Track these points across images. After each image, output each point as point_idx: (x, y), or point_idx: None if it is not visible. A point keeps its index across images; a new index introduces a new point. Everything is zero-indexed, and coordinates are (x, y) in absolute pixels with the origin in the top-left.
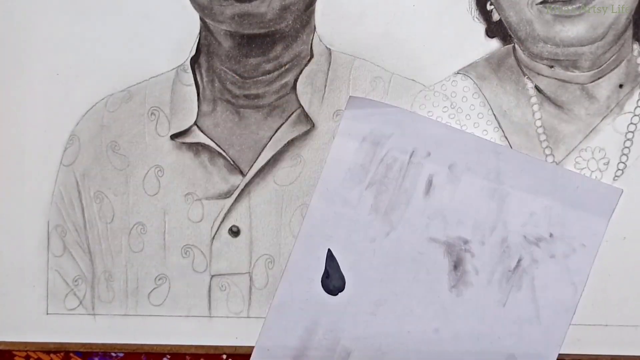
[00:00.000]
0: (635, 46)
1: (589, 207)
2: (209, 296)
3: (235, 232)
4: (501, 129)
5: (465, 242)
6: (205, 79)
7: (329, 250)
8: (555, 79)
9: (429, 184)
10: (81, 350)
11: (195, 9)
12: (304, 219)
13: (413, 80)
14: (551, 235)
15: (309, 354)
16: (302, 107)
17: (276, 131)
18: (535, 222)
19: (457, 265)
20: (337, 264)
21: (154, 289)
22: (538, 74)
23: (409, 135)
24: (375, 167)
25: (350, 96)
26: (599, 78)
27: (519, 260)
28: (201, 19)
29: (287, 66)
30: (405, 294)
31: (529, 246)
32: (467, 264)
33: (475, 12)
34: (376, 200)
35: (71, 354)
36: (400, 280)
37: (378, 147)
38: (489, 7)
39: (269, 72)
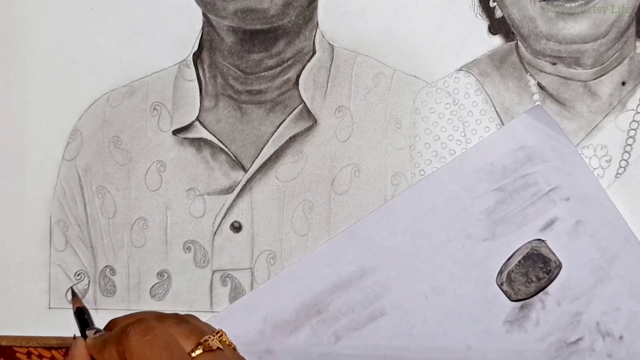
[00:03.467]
0: (638, 44)
1: None
2: (211, 291)
3: (237, 227)
4: (503, 125)
5: (546, 292)
6: (207, 75)
7: None
8: (558, 76)
9: (550, 224)
10: None
11: (198, 4)
12: (424, 177)
13: (415, 76)
14: (621, 337)
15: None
16: (305, 103)
17: (278, 127)
18: (616, 318)
19: (525, 306)
20: None
21: (155, 284)
22: (540, 71)
23: (562, 171)
24: (515, 178)
25: (537, 104)
26: (601, 75)
27: (579, 339)
28: (204, 15)
29: (289, 62)
30: (463, 300)
31: (596, 334)
32: (534, 311)
33: (478, 9)
34: (495, 206)
35: None
36: (468, 286)
37: (529, 163)
38: (491, 4)
39: (271, 68)
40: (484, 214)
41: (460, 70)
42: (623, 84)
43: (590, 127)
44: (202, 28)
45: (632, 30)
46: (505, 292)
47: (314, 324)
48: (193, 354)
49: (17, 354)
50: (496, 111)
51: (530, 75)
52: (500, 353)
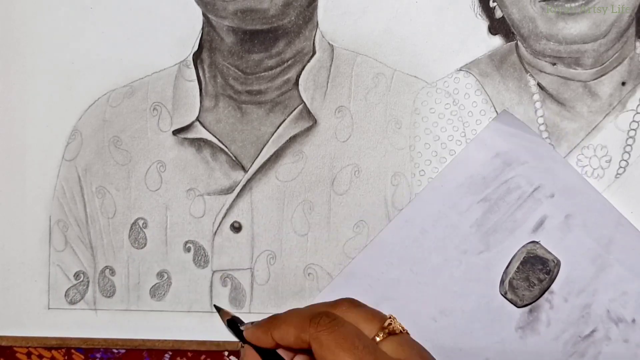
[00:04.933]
0: (638, 44)
1: None
2: (211, 291)
3: (237, 227)
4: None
5: (551, 292)
6: (207, 75)
7: None
8: (558, 76)
9: (540, 223)
10: (83, 346)
11: (198, 4)
12: (408, 204)
13: (415, 76)
14: (634, 320)
15: None
16: (305, 104)
17: (278, 127)
18: (624, 303)
19: (532, 309)
20: None
21: (155, 284)
22: (540, 71)
23: (541, 170)
24: (497, 185)
25: (504, 110)
26: (601, 76)
27: (593, 331)
28: (204, 15)
29: (289, 62)
30: (472, 315)
31: (609, 322)
32: (542, 312)
33: (478, 9)
34: (483, 217)
35: (73, 351)
36: (474, 300)
37: (508, 168)
38: (491, 4)
39: (271, 68)
40: (474, 227)
41: (460, 70)
42: (623, 84)
43: (590, 127)
44: (202, 28)
45: (632, 30)
46: (510, 301)
47: None
48: (377, 338)
49: (17, 354)
50: (496, 111)
51: (530, 75)
52: (518, 359)
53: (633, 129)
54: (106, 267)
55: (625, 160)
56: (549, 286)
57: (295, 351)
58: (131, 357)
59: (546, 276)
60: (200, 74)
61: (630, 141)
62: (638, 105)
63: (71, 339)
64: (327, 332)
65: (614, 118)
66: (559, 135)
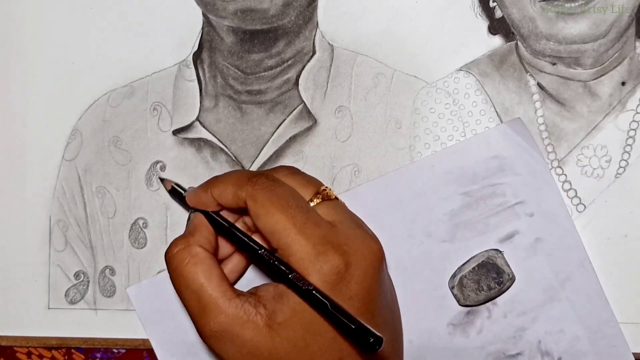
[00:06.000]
0: (638, 44)
1: None
2: None
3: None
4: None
5: (494, 303)
6: (207, 75)
7: None
8: (558, 76)
9: (510, 236)
10: (83, 346)
11: (198, 4)
12: (395, 170)
13: (415, 76)
14: (560, 359)
15: None
16: (305, 103)
17: (278, 127)
18: (557, 339)
19: (471, 312)
20: None
21: None
22: (540, 71)
23: (531, 187)
24: (483, 186)
25: (518, 118)
26: (601, 75)
27: (518, 354)
28: (204, 15)
29: (289, 62)
30: (413, 295)
31: (536, 352)
32: (479, 318)
33: (477, 9)
34: (459, 210)
35: (73, 350)
36: (419, 283)
37: (500, 173)
38: (491, 4)
39: (271, 68)
40: (447, 216)
41: (460, 70)
42: (623, 84)
43: (590, 127)
44: (202, 28)
45: (632, 30)
46: (455, 296)
47: None
48: (312, 203)
49: (17, 354)
50: (496, 111)
51: (530, 75)
52: (439, 353)
53: (633, 129)
54: (106, 267)
55: (625, 160)
56: (496, 297)
57: (239, 213)
58: (131, 357)
59: (497, 286)
60: (200, 74)
61: (630, 141)
62: (638, 105)
63: (71, 338)
64: (263, 190)
65: (614, 118)
66: (559, 135)
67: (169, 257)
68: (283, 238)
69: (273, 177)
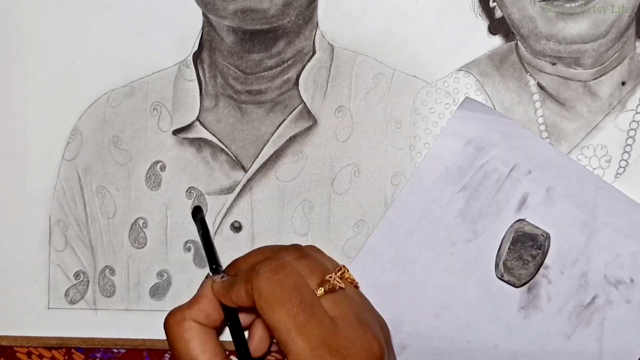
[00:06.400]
0: (638, 44)
1: None
2: None
3: (237, 227)
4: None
5: (546, 267)
6: (207, 75)
7: None
8: (558, 76)
9: (523, 201)
10: (83, 346)
11: (198, 4)
12: (389, 207)
13: (415, 76)
14: (632, 280)
15: None
16: (305, 103)
17: (278, 127)
18: (620, 264)
19: (531, 287)
20: None
21: (155, 284)
22: (540, 71)
23: (514, 149)
24: (474, 172)
25: (466, 97)
26: (601, 75)
27: (594, 298)
28: (204, 15)
29: (289, 62)
30: (473, 304)
31: (608, 286)
32: (541, 289)
33: (478, 9)
34: (466, 205)
35: (73, 350)
36: (472, 289)
37: (481, 153)
38: (491, 4)
39: (271, 68)
40: (459, 217)
41: (460, 70)
42: (623, 84)
43: (590, 127)
44: (202, 28)
45: (632, 30)
46: (508, 282)
47: None
48: (317, 293)
49: (17, 354)
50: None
51: (530, 75)
52: (526, 339)
53: (633, 129)
54: (106, 266)
55: (625, 160)
56: (543, 261)
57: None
58: (131, 357)
59: (538, 251)
60: (200, 74)
61: (630, 141)
62: (638, 105)
63: (71, 338)
64: (267, 283)
65: (613, 118)
66: (558, 135)
67: (165, 327)
68: (283, 336)
69: (278, 263)
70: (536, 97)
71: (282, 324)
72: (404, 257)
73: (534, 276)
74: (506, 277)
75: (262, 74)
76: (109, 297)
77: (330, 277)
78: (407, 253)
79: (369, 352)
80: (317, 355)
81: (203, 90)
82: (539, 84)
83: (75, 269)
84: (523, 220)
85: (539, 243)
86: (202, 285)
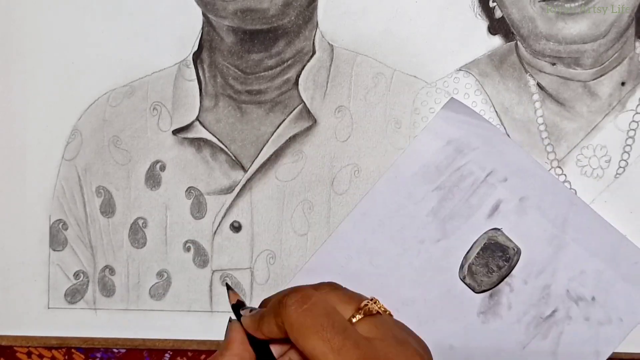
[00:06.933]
0: (638, 44)
1: None
2: (211, 291)
3: (236, 227)
4: (503, 126)
5: (511, 275)
6: (207, 75)
7: None
8: (558, 76)
9: (496, 208)
10: (83, 346)
11: (198, 4)
12: (364, 197)
13: (415, 76)
14: (593, 298)
15: None
16: (304, 103)
17: (278, 127)
18: (583, 281)
19: (493, 294)
20: None
21: (155, 283)
22: (540, 71)
23: (493, 154)
24: (450, 173)
25: (451, 97)
26: (601, 76)
27: (554, 311)
28: (204, 15)
29: (289, 62)
30: (434, 304)
31: (569, 301)
32: (503, 296)
33: (477, 9)
34: (439, 205)
35: (73, 350)
36: (435, 289)
37: (460, 155)
38: (491, 4)
39: (271, 68)
40: (431, 216)
41: (460, 70)
42: (622, 84)
43: (590, 127)
44: (202, 28)
45: (632, 30)
46: (469, 285)
47: None
48: (354, 319)
49: (18, 354)
50: (496, 111)
51: (530, 75)
52: (482, 343)
53: (633, 129)
54: (106, 266)
55: (625, 160)
56: (508, 274)
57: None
58: (131, 357)
59: (505, 263)
60: (200, 74)
61: (629, 141)
62: (638, 105)
63: (71, 338)
64: (297, 314)
65: (613, 118)
66: (558, 135)
67: None
68: None
69: (304, 293)
70: (536, 97)
71: (319, 351)
72: (372, 249)
73: (495, 286)
74: (467, 280)
75: (262, 74)
76: (108, 297)
77: (367, 302)
78: (375, 245)
79: None
80: None
81: (203, 90)
82: (538, 84)
83: (75, 268)
84: (499, 229)
85: (508, 256)
86: (228, 329)
